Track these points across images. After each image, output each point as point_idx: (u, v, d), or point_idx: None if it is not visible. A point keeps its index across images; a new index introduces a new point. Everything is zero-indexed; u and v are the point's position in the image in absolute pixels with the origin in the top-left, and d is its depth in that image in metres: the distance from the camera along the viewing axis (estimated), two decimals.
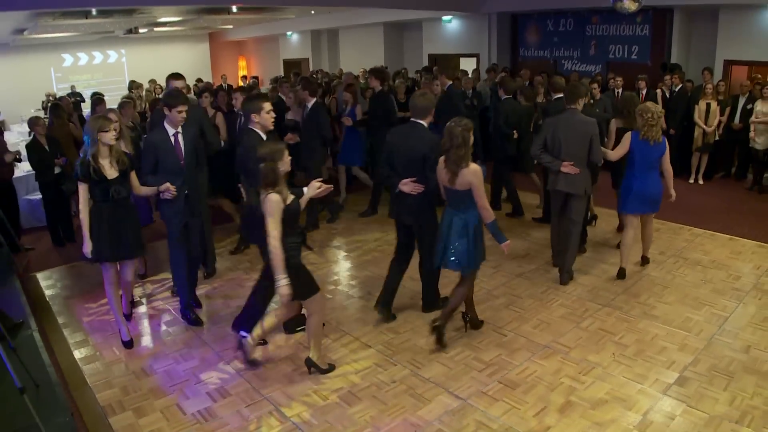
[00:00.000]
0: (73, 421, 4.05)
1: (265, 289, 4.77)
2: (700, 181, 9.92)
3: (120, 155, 4.85)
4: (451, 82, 8.54)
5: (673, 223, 7.86)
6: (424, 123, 5.12)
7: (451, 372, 4.58)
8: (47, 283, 6.69)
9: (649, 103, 5.96)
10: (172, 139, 5.19)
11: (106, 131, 4.69)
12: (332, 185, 4.66)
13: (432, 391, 4.35)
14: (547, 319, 5.38)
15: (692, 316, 5.37)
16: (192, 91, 11.98)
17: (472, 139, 4.59)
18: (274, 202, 4.03)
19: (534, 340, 5.03)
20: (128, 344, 5.11)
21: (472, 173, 4.51)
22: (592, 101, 8.59)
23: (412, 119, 5.18)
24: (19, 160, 8.00)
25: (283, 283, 4.10)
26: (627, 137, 5.94)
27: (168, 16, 15.78)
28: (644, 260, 6.52)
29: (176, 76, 6.12)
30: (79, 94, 16.14)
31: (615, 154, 6.06)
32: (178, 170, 5.18)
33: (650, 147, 5.80)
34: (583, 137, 5.83)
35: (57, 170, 7.54)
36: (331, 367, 4.65)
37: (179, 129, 5.21)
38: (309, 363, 4.56)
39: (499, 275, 6.31)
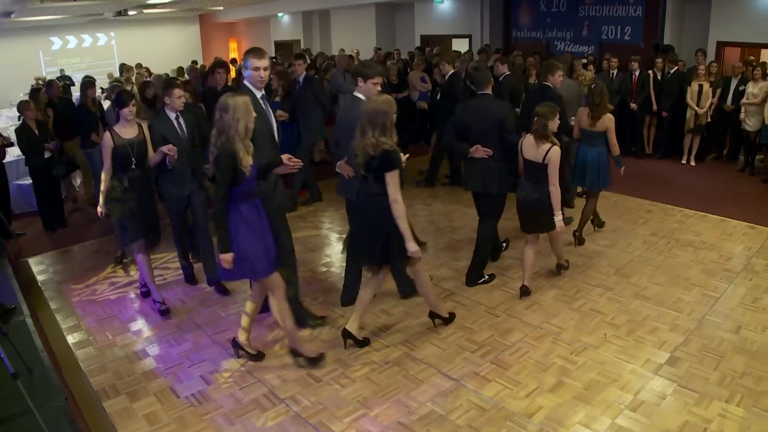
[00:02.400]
0: (67, 405, 4.06)
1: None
2: (692, 163, 9.93)
3: None
4: (453, 70, 8.37)
5: (665, 204, 7.89)
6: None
7: (443, 353, 4.60)
8: (39, 268, 6.67)
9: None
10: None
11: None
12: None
13: (425, 372, 4.37)
14: (540, 300, 5.41)
15: (683, 297, 5.41)
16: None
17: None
18: None
19: (526, 320, 5.06)
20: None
21: (609, 120, 6.13)
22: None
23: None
24: (10, 145, 7.94)
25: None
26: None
27: None
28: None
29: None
30: (69, 78, 16.01)
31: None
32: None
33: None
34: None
35: (47, 155, 7.49)
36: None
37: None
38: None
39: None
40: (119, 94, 5.20)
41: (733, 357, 4.45)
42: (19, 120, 7.97)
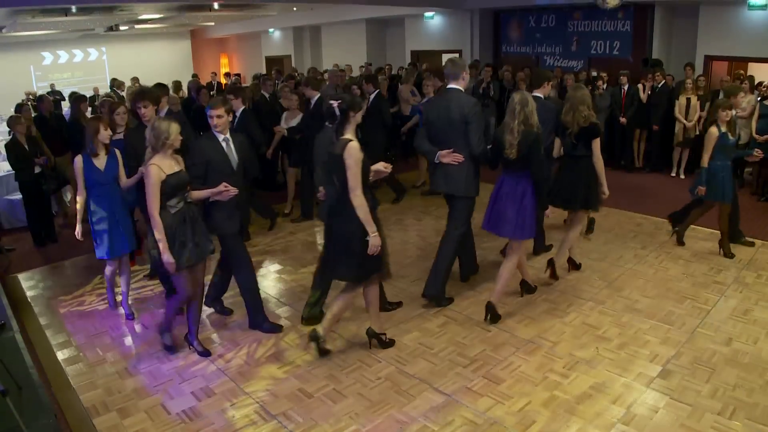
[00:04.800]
0: (57, 422, 4.02)
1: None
2: (682, 176, 10.00)
3: None
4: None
5: (655, 218, 7.94)
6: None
7: (435, 368, 4.60)
8: (29, 284, 6.63)
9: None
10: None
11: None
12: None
13: (417, 388, 4.36)
14: (531, 314, 5.41)
15: (675, 310, 5.43)
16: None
17: None
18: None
19: (518, 335, 5.06)
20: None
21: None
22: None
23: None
24: None
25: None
26: None
27: (149, 13, 15.66)
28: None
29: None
30: (59, 93, 15.97)
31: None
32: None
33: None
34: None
35: (37, 170, 7.46)
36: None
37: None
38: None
39: (481, 270, 6.31)
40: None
41: (725, 369, 4.46)
42: (9, 135, 7.95)
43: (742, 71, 10.68)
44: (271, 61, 21.29)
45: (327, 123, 4.83)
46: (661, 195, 9.05)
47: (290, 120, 8.20)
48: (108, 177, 5.24)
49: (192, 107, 9.16)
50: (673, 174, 10.12)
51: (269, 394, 4.33)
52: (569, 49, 13.51)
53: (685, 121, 9.66)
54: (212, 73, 17.58)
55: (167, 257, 4.36)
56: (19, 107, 8.59)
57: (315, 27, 19.47)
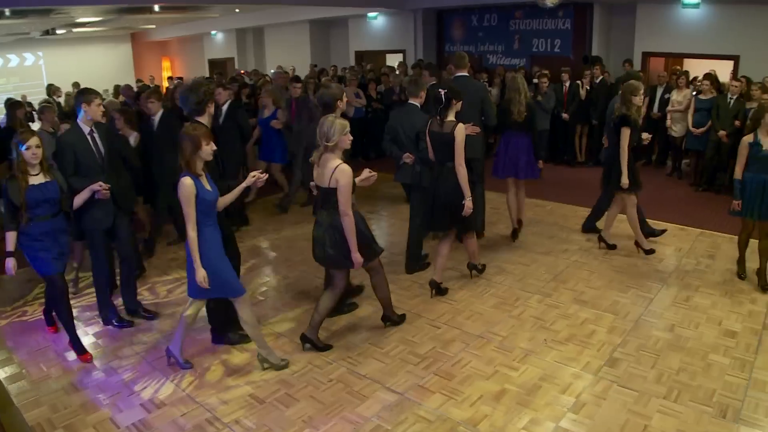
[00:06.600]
0: None
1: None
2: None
3: None
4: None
5: None
6: (417, 104, 6.16)
7: (387, 367, 4.61)
8: None
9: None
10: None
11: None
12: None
13: (369, 388, 4.36)
14: (480, 310, 5.47)
15: (619, 299, 5.57)
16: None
17: None
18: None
19: (467, 331, 5.11)
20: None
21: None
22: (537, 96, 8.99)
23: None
24: None
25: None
26: None
27: (87, 17, 15.25)
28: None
29: None
30: None
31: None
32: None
33: None
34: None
35: None
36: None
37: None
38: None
39: (430, 269, 6.34)
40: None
41: (669, 354, 4.61)
42: None
43: (678, 67, 11.05)
44: (214, 64, 21.02)
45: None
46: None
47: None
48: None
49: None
50: None
51: (220, 402, 4.26)
52: (511, 48, 13.71)
53: None
54: (150, 76, 17.22)
55: None
56: None
57: (258, 29, 19.29)
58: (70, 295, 5.17)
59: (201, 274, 4.20)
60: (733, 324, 5.08)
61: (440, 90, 5.32)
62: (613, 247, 6.73)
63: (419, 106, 6.15)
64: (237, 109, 7.98)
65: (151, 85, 15.25)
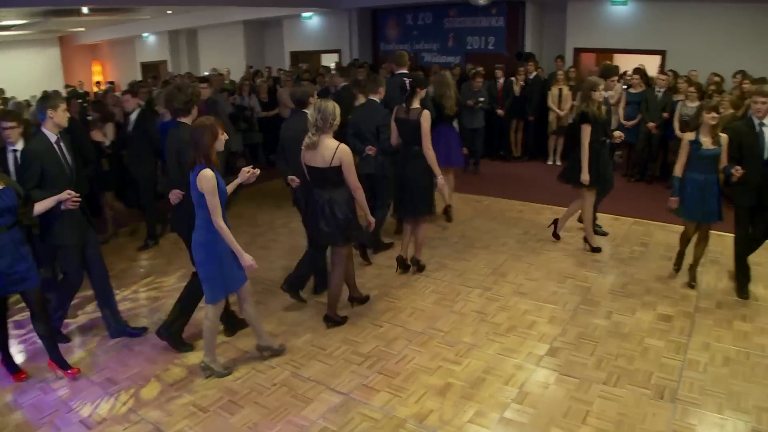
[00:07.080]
0: None
1: None
2: (558, 163, 10.41)
3: None
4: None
5: (535, 204, 8.25)
6: (377, 99, 6.31)
7: (330, 369, 4.53)
8: None
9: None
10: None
11: None
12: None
13: (313, 390, 4.27)
14: (421, 307, 5.45)
15: (558, 290, 5.64)
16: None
17: None
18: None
19: (410, 328, 5.08)
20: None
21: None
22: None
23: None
24: None
25: None
26: None
27: (10, 19, 14.61)
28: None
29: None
30: None
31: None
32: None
33: None
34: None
35: None
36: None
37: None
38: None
39: (371, 268, 6.34)
40: None
41: (608, 341, 4.69)
42: None
43: (608, 62, 11.29)
44: (147, 67, 20.50)
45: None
46: (539, 182, 9.40)
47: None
48: None
49: None
50: (550, 162, 10.55)
51: (163, 413, 4.10)
52: (446, 46, 13.80)
53: (558, 111, 10.10)
54: (79, 81, 16.67)
55: None
56: None
57: (191, 30, 18.88)
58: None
59: (248, 258, 4.22)
60: (666, 308, 5.21)
61: (405, 79, 5.74)
62: (557, 237, 6.83)
63: (378, 101, 6.33)
64: (147, 116, 7.35)
65: (80, 90, 14.80)
